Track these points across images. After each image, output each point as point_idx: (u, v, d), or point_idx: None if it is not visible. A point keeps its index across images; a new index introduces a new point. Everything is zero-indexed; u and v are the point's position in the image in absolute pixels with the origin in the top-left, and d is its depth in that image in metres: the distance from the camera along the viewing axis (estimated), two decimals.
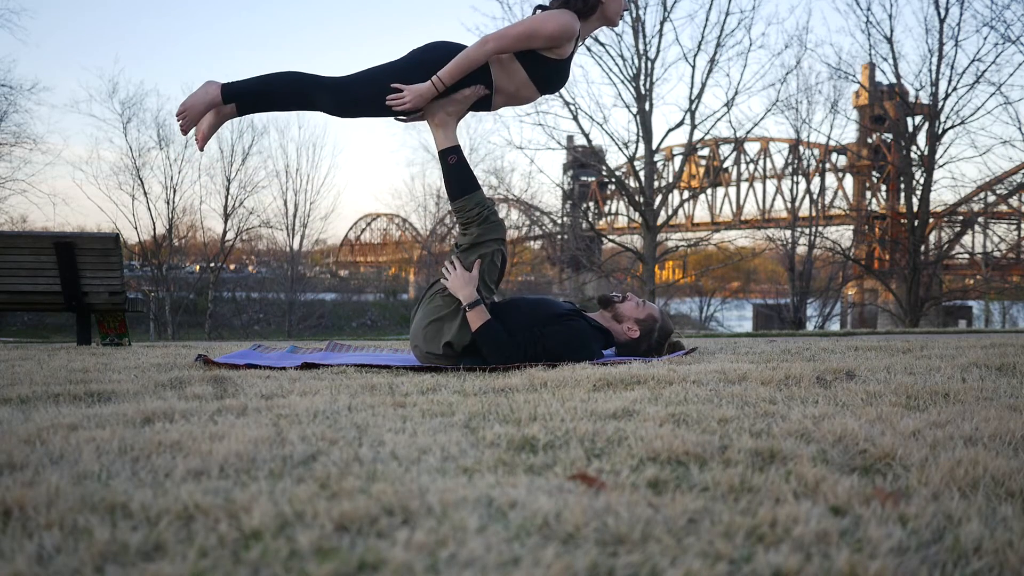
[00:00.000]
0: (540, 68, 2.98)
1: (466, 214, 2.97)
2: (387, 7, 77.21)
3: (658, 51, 17.63)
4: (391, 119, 3.11)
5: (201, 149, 3.06)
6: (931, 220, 19.92)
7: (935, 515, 1.05)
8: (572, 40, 2.95)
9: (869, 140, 25.72)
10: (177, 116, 2.98)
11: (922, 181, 19.21)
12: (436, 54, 2.99)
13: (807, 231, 23.15)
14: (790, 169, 25.44)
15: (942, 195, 44.92)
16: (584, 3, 2.95)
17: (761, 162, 29.44)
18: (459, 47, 3.01)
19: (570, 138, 23.37)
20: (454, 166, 3.01)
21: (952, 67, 18.25)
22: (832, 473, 1.23)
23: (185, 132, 2.99)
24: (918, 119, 19.78)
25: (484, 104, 3.09)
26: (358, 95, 3.01)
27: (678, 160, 24.13)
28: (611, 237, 22.50)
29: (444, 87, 2.91)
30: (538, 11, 2.98)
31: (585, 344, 3.00)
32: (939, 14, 18.16)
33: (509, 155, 58.53)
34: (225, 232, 25.54)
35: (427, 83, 2.90)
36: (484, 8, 73.68)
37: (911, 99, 19.91)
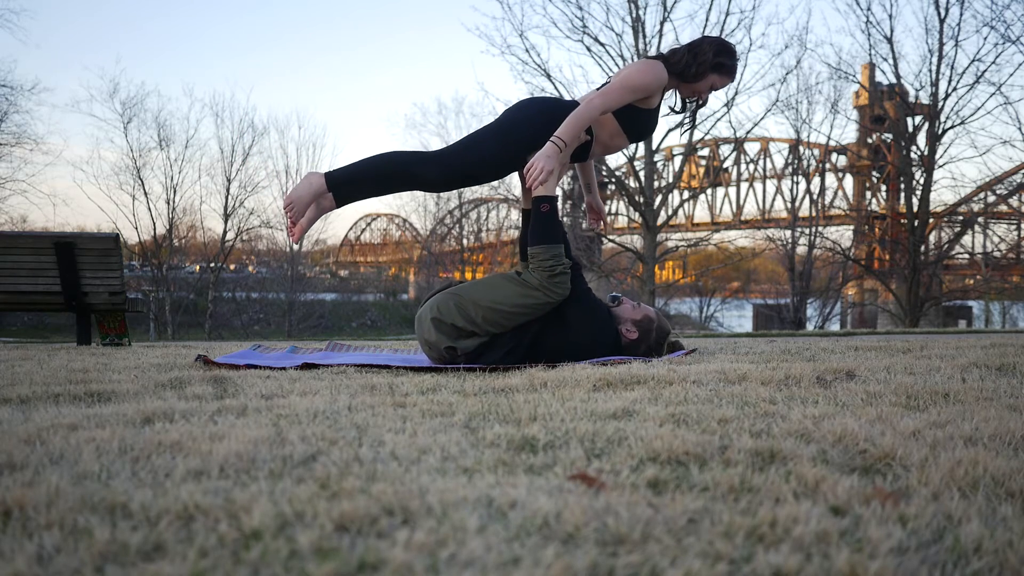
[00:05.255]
0: (630, 118, 3.12)
1: (540, 262, 3.00)
2: (388, 7, 77.25)
3: (658, 51, 17.61)
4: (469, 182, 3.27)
5: (297, 241, 3.17)
6: (931, 220, 19.91)
7: (935, 515, 1.05)
8: (661, 91, 3.11)
9: (869, 140, 25.71)
10: (285, 209, 3.10)
11: (922, 181, 19.20)
12: (531, 111, 3.12)
13: (807, 231, 23.15)
14: (790, 169, 25.45)
15: (942, 195, 44.90)
16: (694, 72, 3.09)
17: (761, 162, 29.46)
18: (551, 100, 3.22)
19: None
20: (545, 215, 3.03)
21: (952, 67, 18.26)
22: (832, 473, 1.23)
23: (294, 223, 3.10)
24: (918, 119, 19.78)
25: (583, 153, 3.20)
26: (464, 162, 3.09)
27: (678, 160, 24.11)
28: (611, 237, 22.49)
29: (565, 145, 2.97)
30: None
31: (607, 322, 3.12)
32: (939, 14, 18.16)
33: None
34: (225, 232, 25.56)
35: (548, 144, 2.95)
36: (484, 8, 73.66)
37: (911, 99, 19.90)
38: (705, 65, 3.08)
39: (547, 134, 3.04)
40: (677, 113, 3.32)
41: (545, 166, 2.90)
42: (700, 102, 3.27)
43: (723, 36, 17.31)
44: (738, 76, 19.62)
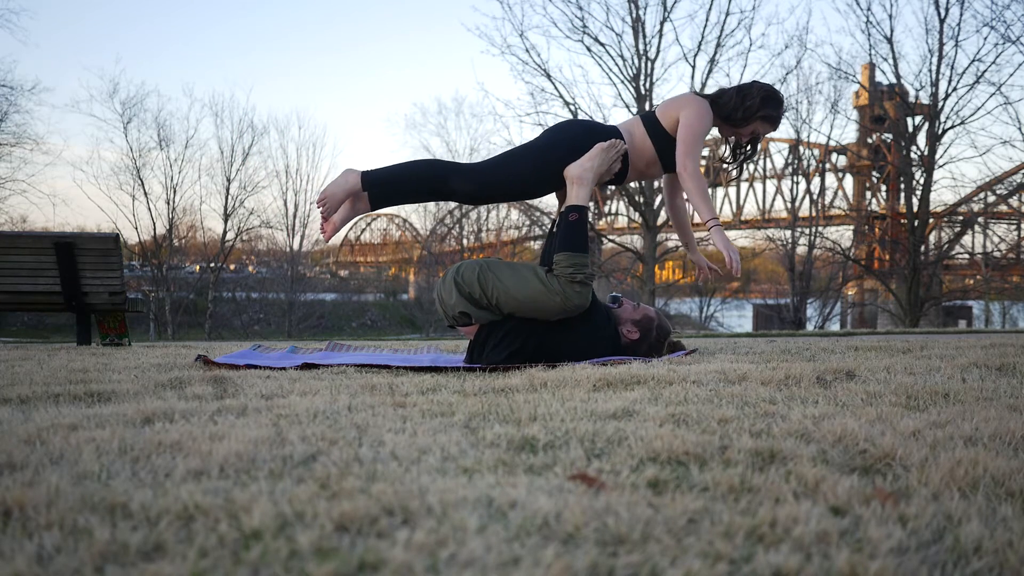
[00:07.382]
0: (668, 151, 3.17)
1: (562, 268, 3.02)
2: (388, 7, 77.24)
3: (658, 51, 17.64)
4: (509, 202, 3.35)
5: (327, 240, 3.21)
6: (931, 220, 19.92)
7: (935, 515, 1.05)
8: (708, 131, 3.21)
9: (869, 140, 25.72)
10: (318, 203, 3.13)
11: (922, 181, 19.21)
12: (568, 133, 3.18)
13: (807, 231, 23.15)
14: (790, 169, 25.45)
15: (942, 195, 44.93)
16: (740, 117, 3.15)
17: (761, 162, 29.44)
18: (589, 123, 3.30)
19: None
20: (573, 223, 3.07)
21: (952, 67, 18.27)
22: (832, 473, 1.23)
23: (326, 218, 3.13)
24: (918, 119, 19.78)
25: (619, 177, 3.23)
26: (498, 179, 3.12)
27: None
28: (611, 237, 22.49)
29: (716, 218, 3.08)
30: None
31: (608, 324, 3.17)
32: (939, 14, 18.17)
33: None
34: (225, 232, 25.58)
35: (715, 229, 3.06)
36: (484, 8, 73.62)
37: (911, 99, 19.90)
38: (751, 111, 3.14)
39: (579, 156, 3.09)
40: (726, 164, 3.38)
41: (729, 248, 3.03)
42: (748, 153, 3.31)
43: (723, 36, 17.39)
44: (738, 76, 19.59)
